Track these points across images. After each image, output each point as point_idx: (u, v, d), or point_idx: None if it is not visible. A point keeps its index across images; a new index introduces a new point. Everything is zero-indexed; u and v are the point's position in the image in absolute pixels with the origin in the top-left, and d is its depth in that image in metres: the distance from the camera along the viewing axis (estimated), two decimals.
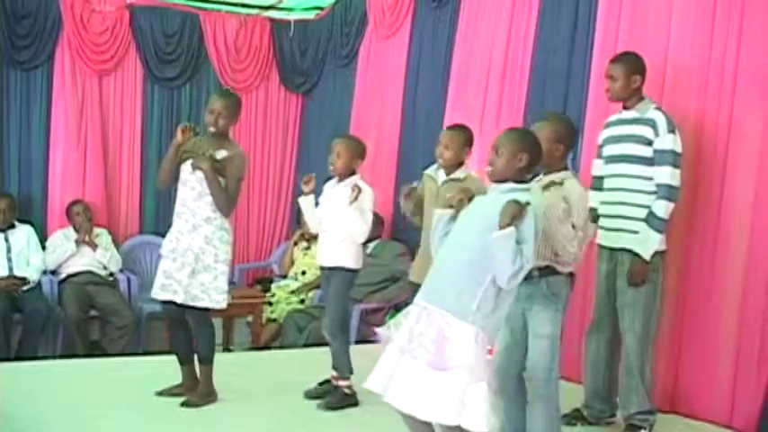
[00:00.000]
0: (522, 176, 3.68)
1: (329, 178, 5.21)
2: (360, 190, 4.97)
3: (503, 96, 6.31)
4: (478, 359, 3.46)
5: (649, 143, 4.58)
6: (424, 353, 3.48)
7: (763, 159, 4.76)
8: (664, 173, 4.54)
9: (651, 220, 4.55)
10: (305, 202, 5.20)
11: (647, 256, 4.56)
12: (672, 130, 4.55)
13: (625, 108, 4.73)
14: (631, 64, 4.68)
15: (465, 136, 4.78)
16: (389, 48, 7.80)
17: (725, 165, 4.89)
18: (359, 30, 8.20)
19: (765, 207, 4.74)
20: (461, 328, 3.47)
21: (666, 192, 4.54)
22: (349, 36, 8.33)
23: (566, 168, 4.16)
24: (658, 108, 4.63)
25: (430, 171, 5.01)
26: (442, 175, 4.83)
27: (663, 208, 4.54)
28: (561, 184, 4.08)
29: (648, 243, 4.56)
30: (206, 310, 4.94)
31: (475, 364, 3.44)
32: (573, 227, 3.98)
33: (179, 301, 4.87)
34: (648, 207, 4.58)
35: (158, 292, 4.95)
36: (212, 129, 4.91)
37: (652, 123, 4.57)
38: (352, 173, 5.10)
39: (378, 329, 3.77)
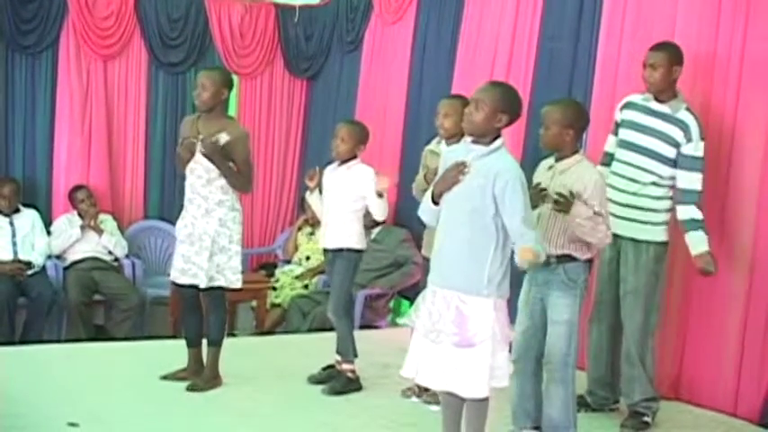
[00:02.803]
0: (497, 134, 3.67)
1: (329, 162, 5.21)
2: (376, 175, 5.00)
3: (508, 81, 6.30)
4: (501, 325, 3.60)
5: (676, 144, 4.55)
6: (447, 337, 3.57)
7: None
8: (695, 179, 4.56)
9: (695, 224, 4.57)
10: (312, 199, 5.22)
11: (706, 247, 4.58)
12: (703, 137, 4.55)
13: (657, 99, 4.66)
14: (673, 53, 4.62)
15: (464, 104, 4.75)
16: (395, 33, 7.77)
17: (731, 152, 4.88)
18: (364, 15, 8.16)
19: None
20: (478, 303, 3.56)
21: (698, 198, 4.57)
22: (354, 21, 8.30)
23: (576, 152, 4.15)
24: (689, 109, 4.58)
25: (431, 146, 5.04)
26: (444, 149, 4.83)
27: (699, 212, 4.57)
28: (572, 195, 4.07)
29: (701, 242, 4.57)
30: (223, 290, 4.97)
31: (498, 330, 3.55)
32: (595, 213, 3.98)
33: (202, 285, 4.90)
34: (656, 198, 4.60)
35: (178, 276, 4.98)
36: (197, 103, 4.92)
37: (684, 126, 4.54)
38: (354, 157, 5.10)
39: (402, 321, 3.89)
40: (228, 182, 4.85)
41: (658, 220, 4.63)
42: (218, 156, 4.80)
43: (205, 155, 4.81)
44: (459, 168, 3.63)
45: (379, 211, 5.08)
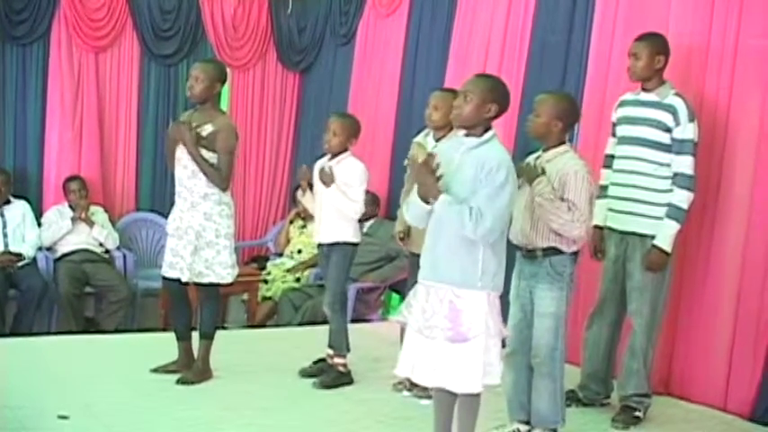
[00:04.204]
0: (487, 125, 3.66)
1: (323, 155, 5.20)
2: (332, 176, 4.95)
3: (501, 76, 6.27)
4: (494, 318, 3.59)
5: (667, 129, 4.55)
6: (441, 332, 3.56)
7: (761, 139, 4.76)
8: (684, 163, 4.53)
9: (673, 211, 4.53)
10: (306, 200, 5.22)
11: (668, 247, 4.54)
12: (692, 119, 4.54)
13: (644, 90, 4.69)
14: (656, 44, 4.64)
15: (455, 98, 4.73)
16: (388, 26, 7.76)
17: (724, 145, 4.89)
18: (358, 8, 8.15)
19: (763, 189, 4.75)
20: (472, 297, 3.55)
21: (687, 182, 4.53)
22: (348, 14, 8.29)
23: (562, 143, 4.16)
24: (678, 94, 4.59)
25: (419, 138, 5.04)
26: (431, 141, 4.85)
27: (685, 199, 4.53)
28: (543, 172, 4.09)
29: (669, 234, 4.53)
30: (214, 285, 4.95)
31: (491, 325, 3.56)
32: (570, 208, 3.98)
33: (184, 279, 4.88)
34: (659, 191, 4.56)
35: (167, 270, 4.98)
36: (188, 95, 4.90)
37: (673, 110, 4.54)
38: (345, 150, 5.09)
39: (393, 318, 3.88)
40: (203, 173, 4.79)
41: (663, 213, 4.60)
42: (191, 140, 4.75)
43: (179, 138, 4.80)
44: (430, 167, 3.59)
45: (352, 208, 5.05)
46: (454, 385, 3.61)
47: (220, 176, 4.83)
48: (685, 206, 4.54)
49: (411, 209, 3.75)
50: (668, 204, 4.54)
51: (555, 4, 6.04)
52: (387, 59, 7.73)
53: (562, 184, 4.03)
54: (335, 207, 5.01)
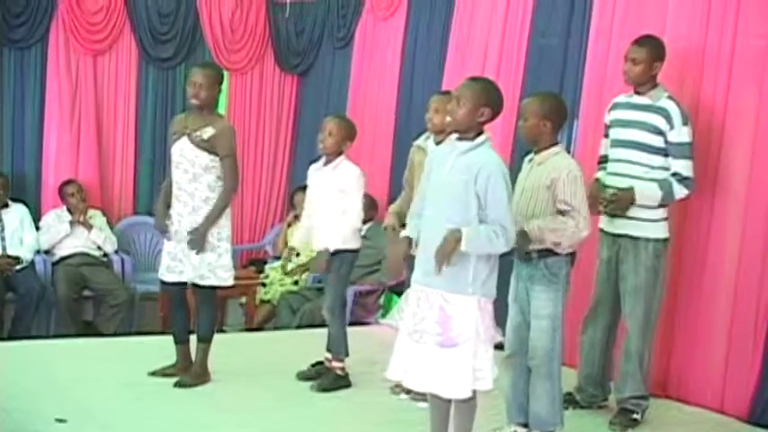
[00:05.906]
0: (480, 129, 3.67)
1: (317, 159, 5.20)
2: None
3: (499, 79, 6.26)
4: (485, 326, 3.60)
5: (660, 132, 4.57)
6: (430, 337, 3.56)
7: (757, 140, 4.77)
8: (684, 166, 4.56)
9: (665, 185, 4.54)
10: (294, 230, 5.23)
11: (639, 200, 4.55)
12: (686, 122, 4.55)
13: (637, 92, 4.69)
14: (655, 50, 4.64)
15: None
16: (386, 29, 7.76)
17: (720, 145, 4.90)
18: (355, 11, 8.15)
19: (759, 191, 4.76)
20: (462, 302, 3.55)
21: (692, 184, 4.59)
22: (345, 17, 8.29)
23: (555, 144, 4.17)
24: (671, 97, 4.60)
25: (419, 142, 5.05)
26: (431, 145, 4.85)
27: (679, 191, 4.56)
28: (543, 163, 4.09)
29: (647, 194, 4.54)
30: (214, 288, 4.96)
31: (482, 331, 3.56)
32: (569, 214, 3.98)
33: (188, 280, 4.91)
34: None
35: (164, 273, 4.99)
36: (194, 101, 4.90)
37: (665, 113, 4.55)
38: (340, 153, 5.08)
39: (385, 321, 3.88)
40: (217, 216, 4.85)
41: (655, 216, 4.62)
42: (202, 244, 4.82)
43: (193, 248, 4.85)
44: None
45: (353, 218, 5.05)
46: (443, 390, 3.62)
47: (231, 186, 4.90)
48: (677, 195, 4.57)
49: None
50: (664, 179, 4.55)
51: (552, 7, 6.05)
52: (385, 62, 7.73)
53: (554, 184, 4.03)
54: (338, 214, 5.01)
